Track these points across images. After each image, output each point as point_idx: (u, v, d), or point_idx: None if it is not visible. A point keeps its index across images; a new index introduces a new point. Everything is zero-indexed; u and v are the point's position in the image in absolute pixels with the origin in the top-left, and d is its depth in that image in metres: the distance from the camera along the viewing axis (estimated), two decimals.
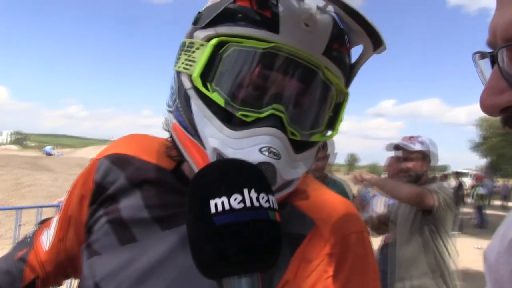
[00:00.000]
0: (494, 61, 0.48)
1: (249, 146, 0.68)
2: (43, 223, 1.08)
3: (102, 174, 0.90)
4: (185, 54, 0.76)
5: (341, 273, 0.74)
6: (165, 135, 0.86)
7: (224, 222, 0.56)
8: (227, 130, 0.70)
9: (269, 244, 0.58)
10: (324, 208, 0.81)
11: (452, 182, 14.02)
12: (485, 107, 0.49)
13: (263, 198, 0.59)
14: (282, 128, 0.70)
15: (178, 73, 0.78)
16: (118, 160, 0.91)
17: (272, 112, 0.70)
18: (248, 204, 0.57)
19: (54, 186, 12.63)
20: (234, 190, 0.58)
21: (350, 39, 0.78)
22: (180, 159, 0.85)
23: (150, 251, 0.78)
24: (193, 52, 0.74)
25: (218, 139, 0.70)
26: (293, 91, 0.73)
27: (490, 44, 0.49)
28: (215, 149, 0.70)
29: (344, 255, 0.75)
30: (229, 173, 0.61)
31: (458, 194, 13.31)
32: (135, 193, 0.85)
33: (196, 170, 0.74)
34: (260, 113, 0.70)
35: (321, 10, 0.72)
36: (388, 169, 5.40)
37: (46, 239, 1.01)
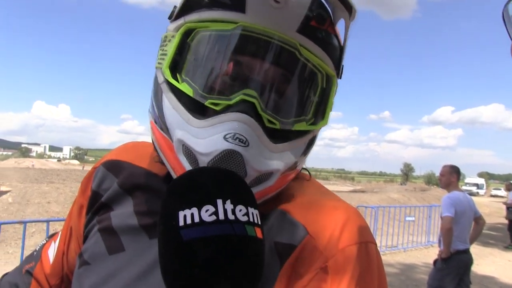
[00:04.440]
0: None
1: (214, 134, 0.63)
2: (52, 236, 1.06)
3: (98, 182, 0.87)
4: (160, 49, 0.72)
5: None
6: None
7: (192, 237, 0.49)
8: (194, 120, 0.65)
9: (245, 264, 0.51)
10: (321, 215, 0.69)
11: None
12: None
13: (240, 210, 0.52)
14: (256, 115, 0.63)
15: (156, 70, 0.73)
16: (112, 166, 0.88)
17: (242, 98, 0.63)
18: (221, 216, 0.50)
19: None
20: (205, 201, 0.51)
21: (334, 15, 0.70)
22: None
23: (136, 260, 0.74)
24: (166, 45, 0.70)
25: (184, 130, 0.64)
26: (265, 74, 0.65)
27: None
28: (180, 140, 0.66)
29: (342, 269, 0.63)
30: (204, 182, 0.55)
31: None
32: (127, 200, 0.82)
33: (167, 165, 0.70)
34: (230, 99, 0.64)
35: None
36: (441, 178, 5.13)
37: (52, 252, 0.99)
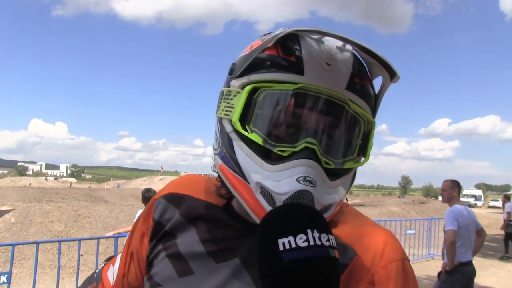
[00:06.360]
0: None
1: (287, 177, 0.76)
2: (110, 260, 1.18)
3: (160, 212, 0.99)
4: (224, 101, 0.86)
5: None
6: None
7: (291, 258, 0.63)
8: (267, 165, 0.78)
9: (331, 278, 0.65)
10: (364, 238, 0.84)
11: None
12: None
13: (324, 237, 0.65)
14: (316, 159, 0.77)
15: (220, 119, 0.87)
16: (173, 199, 1.00)
17: (305, 145, 0.77)
18: (312, 242, 0.64)
19: (111, 217, 13.08)
20: (299, 230, 0.65)
21: (371, 71, 0.85)
22: (229, 196, 0.93)
23: (205, 282, 0.86)
24: (231, 99, 0.84)
25: (259, 174, 0.79)
26: (323, 125, 0.79)
27: None
28: (257, 183, 0.79)
29: (385, 283, 0.78)
30: (294, 216, 0.68)
31: None
32: (190, 229, 0.94)
33: (243, 203, 0.82)
34: (295, 147, 0.77)
35: (341, 49, 0.80)
36: (443, 193, 5.26)
37: (112, 275, 1.10)
